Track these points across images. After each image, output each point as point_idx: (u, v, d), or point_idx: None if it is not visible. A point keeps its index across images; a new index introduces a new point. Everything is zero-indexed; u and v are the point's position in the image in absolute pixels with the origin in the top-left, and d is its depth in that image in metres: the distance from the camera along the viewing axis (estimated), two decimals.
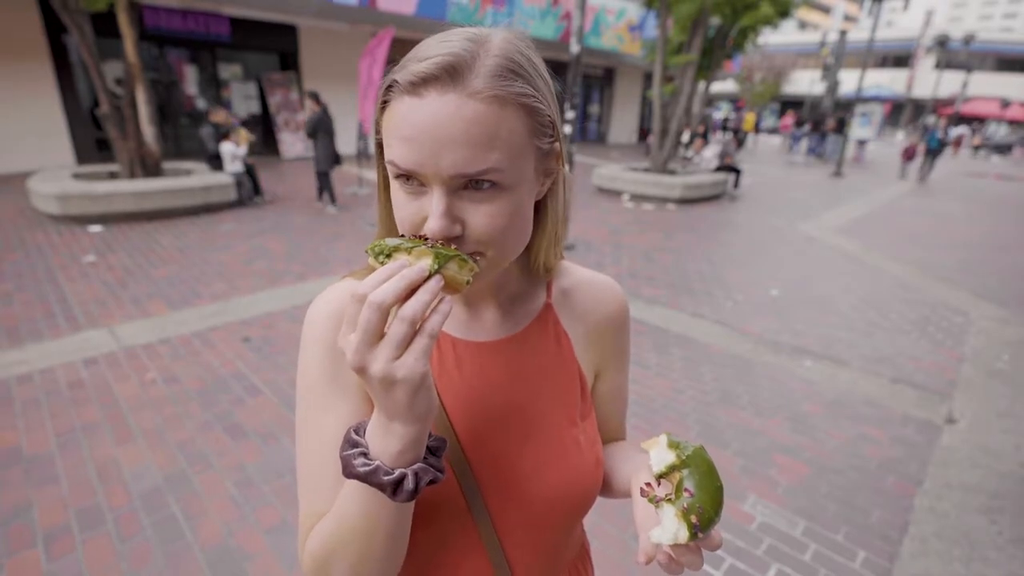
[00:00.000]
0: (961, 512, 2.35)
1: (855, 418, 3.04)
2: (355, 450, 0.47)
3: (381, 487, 0.45)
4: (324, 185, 7.58)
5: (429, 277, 0.44)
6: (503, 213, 0.50)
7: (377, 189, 0.61)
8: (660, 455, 0.54)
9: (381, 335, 0.42)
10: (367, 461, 0.46)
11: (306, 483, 0.57)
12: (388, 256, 0.46)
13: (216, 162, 7.57)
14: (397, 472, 0.45)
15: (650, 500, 0.52)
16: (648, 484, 0.54)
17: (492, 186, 0.49)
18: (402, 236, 0.50)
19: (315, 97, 7.53)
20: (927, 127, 11.75)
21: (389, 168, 0.51)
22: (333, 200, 7.62)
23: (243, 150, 7.49)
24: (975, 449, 2.81)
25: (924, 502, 2.40)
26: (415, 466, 0.46)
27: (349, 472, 0.46)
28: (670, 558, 0.49)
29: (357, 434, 0.48)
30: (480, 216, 0.50)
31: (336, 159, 7.55)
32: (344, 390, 0.57)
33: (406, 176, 0.49)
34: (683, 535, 0.47)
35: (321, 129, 7.31)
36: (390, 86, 0.49)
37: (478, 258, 0.52)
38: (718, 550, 0.52)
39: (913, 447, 2.80)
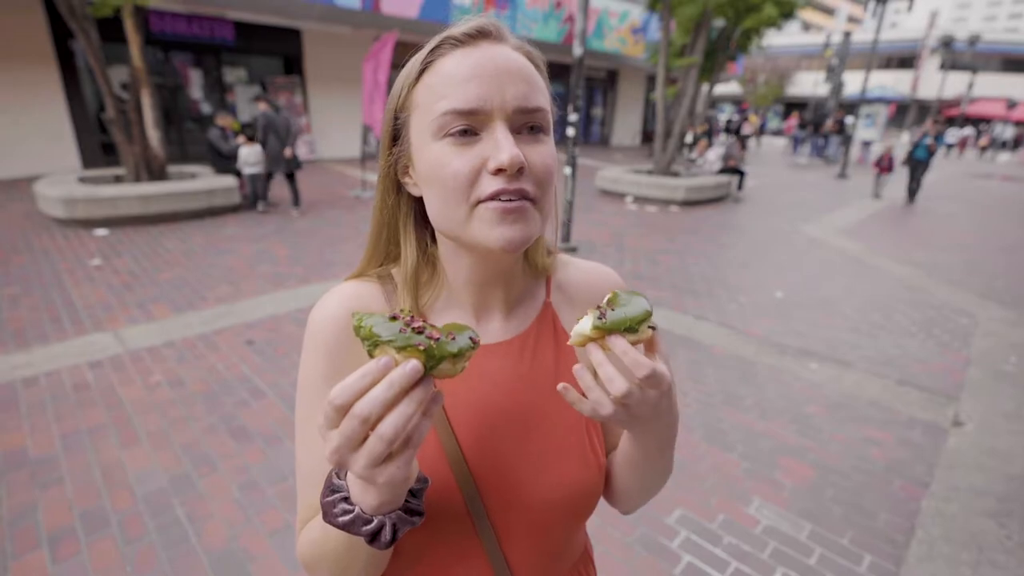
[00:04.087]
0: (969, 515, 2.33)
1: (860, 420, 3.02)
2: (336, 495, 0.46)
3: (359, 536, 0.46)
4: (261, 187, 7.45)
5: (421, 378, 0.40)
6: (552, 156, 0.54)
7: (377, 185, 0.61)
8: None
9: (364, 439, 0.40)
10: (347, 508, 0.46)
11: (303, 477, 0.59)
12: (373, 345, 0.41)
13: (224, 162, 7.56)
14: (375, 522, 0.45)
15: (573, 339, 0.48)
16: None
17: (540, 131, 0.54)
18: (393, 318, 0.42)
19: (266, 99, 7.48)
20: (926, 131, 10.95)
21: (442, 122, 0.51)
22: (265, 198, 7.50)
23: (258, 149, 7.27)
24: (982, 452, 2.79)
25: (931, 505, 2.38)
26: (393, 515, 0.46)
27: (329, 520, 0.46)
28: (593, 375, 0.47)
29: (339, 477, 0.48)
30: (537, 155, 0.53)
31: (295, 162, 7.48)
32: None
33: (461, 128, 0.51)
34: (588, 324, 0.46)
35: (271, 130, 7.25)
36: (438, 45, 0.53)
37: (531, 204, 0.52)
38: (648, 351, 0.49)
39: (919, 449, 2.78)
